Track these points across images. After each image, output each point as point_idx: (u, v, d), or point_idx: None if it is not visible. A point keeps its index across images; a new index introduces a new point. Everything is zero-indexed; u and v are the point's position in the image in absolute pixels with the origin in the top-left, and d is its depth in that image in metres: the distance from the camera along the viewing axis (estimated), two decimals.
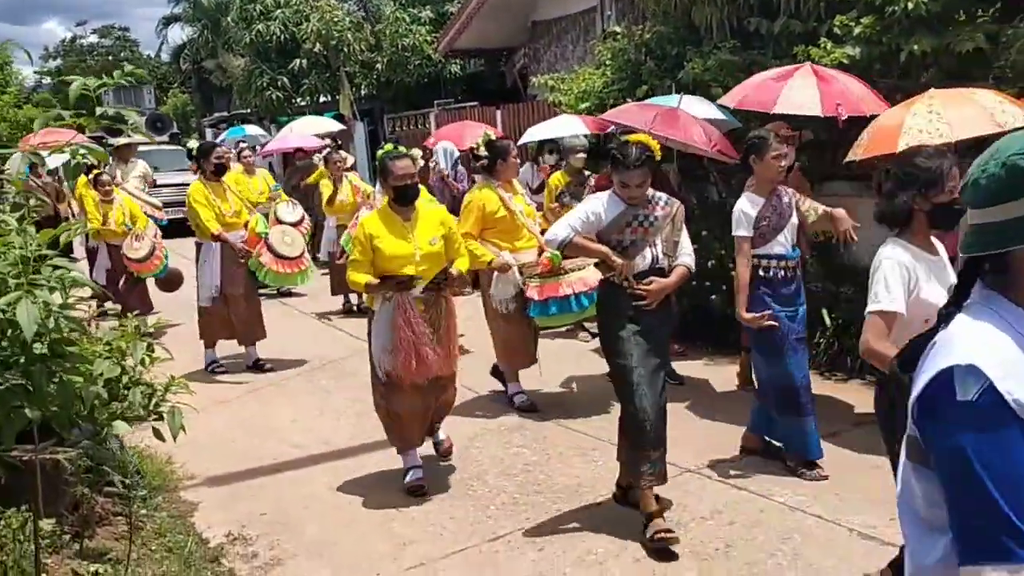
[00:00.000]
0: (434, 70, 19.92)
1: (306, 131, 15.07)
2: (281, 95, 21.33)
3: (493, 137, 6.58)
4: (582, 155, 8.56)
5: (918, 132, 5.19)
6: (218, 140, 16.38)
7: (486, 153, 6.48)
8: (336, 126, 16.31)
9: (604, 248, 4.45)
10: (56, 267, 2.86)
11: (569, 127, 9.14)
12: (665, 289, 4.44)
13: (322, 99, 21.74)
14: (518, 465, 5.43)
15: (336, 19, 20.02)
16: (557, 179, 8.78)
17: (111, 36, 43.69)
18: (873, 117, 6.00)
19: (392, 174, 4.95)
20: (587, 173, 8.58)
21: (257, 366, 8.02)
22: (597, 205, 4.50)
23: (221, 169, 8.00)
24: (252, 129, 19.40)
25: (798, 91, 6.26)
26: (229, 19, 23.23)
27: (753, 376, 5.58)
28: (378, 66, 20.26)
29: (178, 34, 39.05)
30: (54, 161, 11.65)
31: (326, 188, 10.41)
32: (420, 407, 5.12)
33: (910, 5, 6.68)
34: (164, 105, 38.82)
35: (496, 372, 6.78)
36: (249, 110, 23.57)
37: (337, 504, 5.08)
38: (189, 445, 5.99)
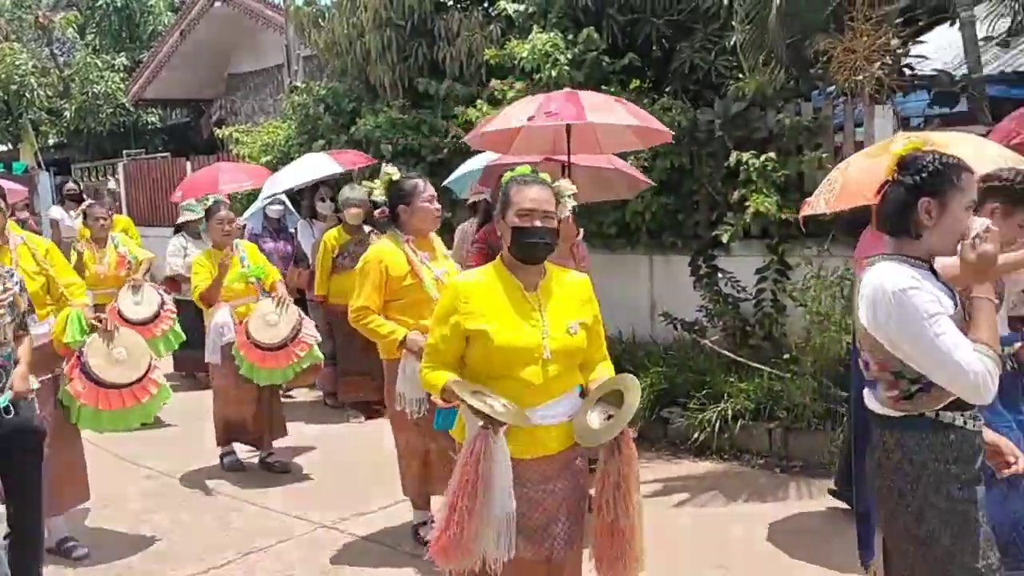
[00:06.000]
0: (129, 119, 19.02)
1: None
2: None
3: (395, 175, 4.66)
4: (357, 210, 7.24)
5: None
6: None
7: (383, 198, 4.69)
8: None
9: None
10: None
11: (318, 168, 8.10)
12: None
13: (1, 147, 20.11)
14: (146, 533, 5.15)
15: (18, 63, 18.62)
16: (333, 237, 7.36)
17: None
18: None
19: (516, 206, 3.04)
20: (368, 230, 7.32)
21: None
22: (931, 294, 2.53)
23: None
24: None
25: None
26: None
27: None
28: (67, 113, 19.05)
29: None
30: None
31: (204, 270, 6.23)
32: None
33: (554, 74, 7.15)
34: None
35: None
36: None
37: None
38: None
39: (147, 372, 4.84)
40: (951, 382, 2.46)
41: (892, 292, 2.48)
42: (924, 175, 2.55)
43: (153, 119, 19.64)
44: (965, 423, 2.57)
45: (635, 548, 2.96)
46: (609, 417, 2.90)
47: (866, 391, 2.74)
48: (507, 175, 3.12)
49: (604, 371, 3.18)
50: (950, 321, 2.47)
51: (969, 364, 2.41)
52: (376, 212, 4.83)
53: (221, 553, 4.78)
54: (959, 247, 2.55)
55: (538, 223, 2.97)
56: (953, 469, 2.54)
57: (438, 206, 4.72)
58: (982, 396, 2.46)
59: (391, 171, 4.67)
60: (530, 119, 5.00)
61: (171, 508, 5.52)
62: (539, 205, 2.99)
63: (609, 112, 5.18)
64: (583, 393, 3.11)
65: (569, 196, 3.15)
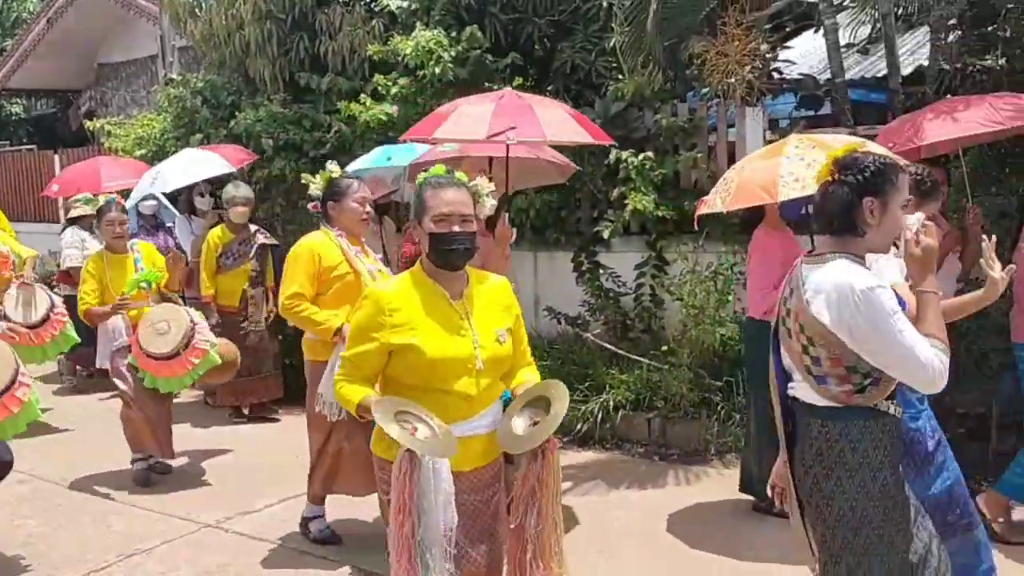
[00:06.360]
0: None
1: None
2: None
3: (336, 173, 4.65)
4: (243, 208, 7.13)
5: (794, 181, 4.26)
6: None
7: (318, 192, 4.63)
8: None
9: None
10: None
11: (206, 166, 7.76)
12: None
13: None
14: (19, 538, 4.97)
15: None
16: (217, 236, 7.18)
17: None
18: None
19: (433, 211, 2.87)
20: (253, 229, 7.29)
21: None
22: (891, 292, 2.63)
23: None
24: None
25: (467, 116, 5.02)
26: None
27: None
28: None
29: None
30: None
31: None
32: None
33: (438, 70, 7.20)
34: None
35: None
36: None
37: None
38: None
39: (8, 389, 4.31)
40: (909, 375, 2.56)
41: (861, 290, 2.53)
42: (867, 175, 2.63)
43: (17, 109, 18.83)
44: (894, 411, 2.69)
45: (545, 563, 2.84)
46: (534, 423, 2.82)
47: (798, 385, 2.78)
48: (420, 177, 2.97)
49: (529, 376, 3.06)
50: (907, 319, 2.56)
51: (928, 359, 2.52)
52: (310, 205, 4.85)
53: (102, 556, 4.67)
54: (902, 244, 2.67)
55: (456, 228, 2.81)
56: (888, 456, 2.67)
57: (369, 210, 4.62)
58: (937, 387, 2.56)
59: (334, 168, 4.65)
60: (491, 137, 4.74)
61: (46, 512, 5.35)
62: (456, 209, 2.83)
63: (564, 127, 4.97)
64: (507, 401, 3.02)
65: (487, 194, 3.09)
